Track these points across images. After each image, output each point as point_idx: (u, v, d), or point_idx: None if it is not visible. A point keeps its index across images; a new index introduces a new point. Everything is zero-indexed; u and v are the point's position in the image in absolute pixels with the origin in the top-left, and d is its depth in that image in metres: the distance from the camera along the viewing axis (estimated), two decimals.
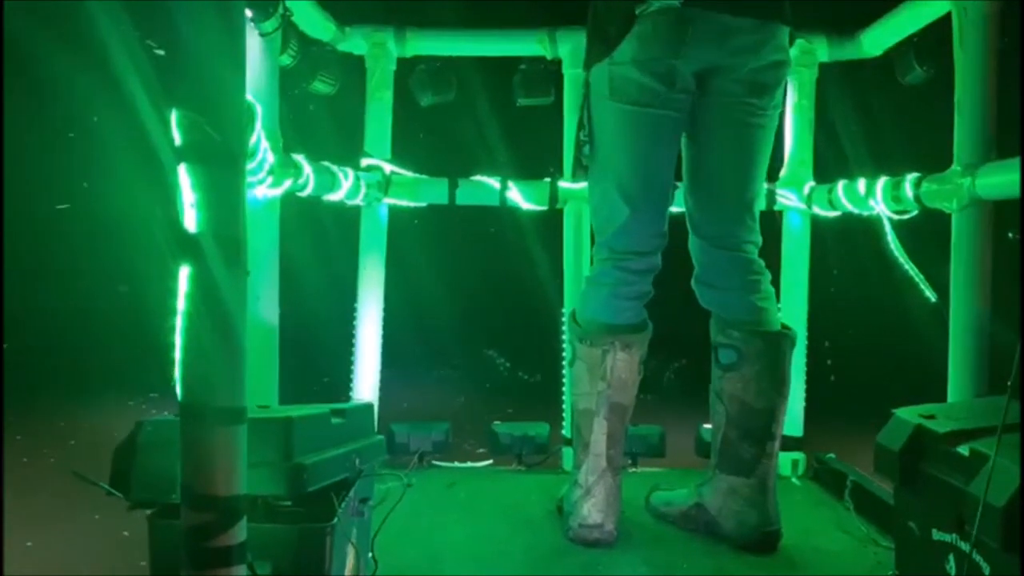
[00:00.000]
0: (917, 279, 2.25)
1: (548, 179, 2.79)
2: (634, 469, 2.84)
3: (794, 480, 2.80)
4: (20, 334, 4.25)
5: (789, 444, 2.83)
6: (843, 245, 2.82)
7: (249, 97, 1.49)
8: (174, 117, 1.14)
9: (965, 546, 1.65)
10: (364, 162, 2.81)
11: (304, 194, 2.24)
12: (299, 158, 2.18)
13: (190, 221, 1.13)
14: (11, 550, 2.34)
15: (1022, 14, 1.83)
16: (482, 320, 4.23)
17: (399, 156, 2.87)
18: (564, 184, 2.77)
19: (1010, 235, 1.85)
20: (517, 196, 2.80)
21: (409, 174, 2.85)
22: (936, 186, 2.08)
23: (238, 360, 1.15)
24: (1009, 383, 1.48)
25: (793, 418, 2.84)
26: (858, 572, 2.02)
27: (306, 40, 2.55)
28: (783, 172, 2.81)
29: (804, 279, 2.83)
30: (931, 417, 1.79)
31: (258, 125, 1.76)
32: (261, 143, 1.80)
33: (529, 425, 2.88)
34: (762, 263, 2.20)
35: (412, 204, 2.87)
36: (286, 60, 2.32)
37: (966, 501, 1.56)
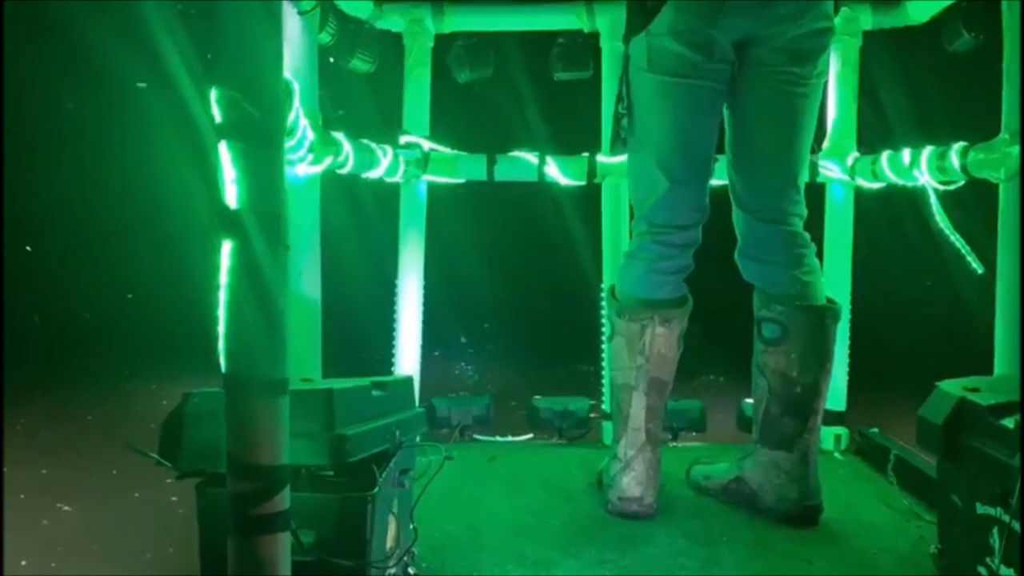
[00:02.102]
0: (963, 251, 2.20)
1: (586, 154, 2.78)
2: (675, 443, 2.84)
3: (837, 455, 2.77)
4: (70, 309, 4.38)
5: (832, 419, 2.81)
6: (888, 217, 2.76)
7: (287, 75, 1.51)
8: (213, 95, 1.16)
9: (1009, 519, 1.63)
10: (403, 139, 2.83)
11: (344, 171, 2.27)
12: (339, 136, 2.20)
13: (231, 197, 1.15)
14: (59, 520, 2.44)
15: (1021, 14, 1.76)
16: (522, 296, 4.24)
17: (437, 133, 2.88)
18: (602, 159, 2.75)
19: None
20: (555, 171, 2.79)
21: (448, 151, 2.86)
22: (983, 155, 2.03)
23: (280, 333, 1.17)
24: None
25: (836, 392, 2.81)
26: (901, 546, 2.01)
27: (344, 18, 2.56)
28: (826, 143, 2.76)
29: (848, 252, 2.78)
30: (975, 390, 1.76)
31: (296, 102, 1.78)
32: (300, 121, 1.83)
33: (569, 400, 2.89)
34: (807, 236, 2.17)
35: (451, 181, 2.89)
36: (325, 38, 2.34)
37: (1010, 474, 1.53)
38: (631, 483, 2.17)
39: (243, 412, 1.17)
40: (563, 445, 2.85)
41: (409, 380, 1.91)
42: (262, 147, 1.17)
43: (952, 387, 1.80)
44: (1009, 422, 1.62)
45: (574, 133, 2.97)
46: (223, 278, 1.16)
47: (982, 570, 1.73)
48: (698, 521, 2.16)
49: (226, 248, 1.15)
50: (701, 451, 2.68)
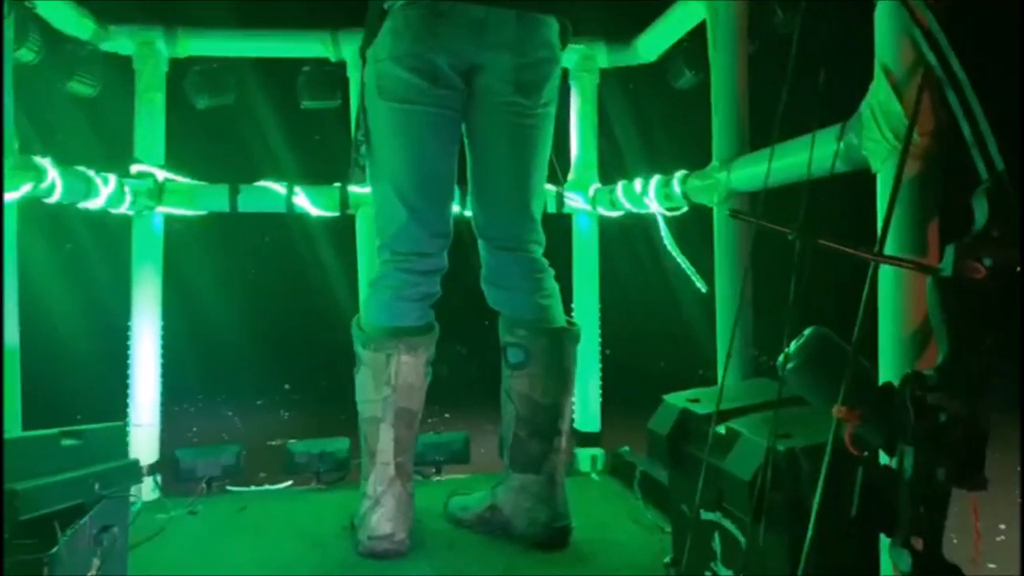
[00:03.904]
0: (689, 271, 2.34)
1: (338, 184, 2.71)
2: (439, 477, 2.79)
3: (593, 475, 2.84)
4: None
5: (587, 440, 2.89)
6: (629, 244, 2.91)
7: None
8: None
9: (727, 523, 1.72)
10: (134, 168, 2.61)
11: (51, 200, 2.04)
12: (43, 161, 1.98)
13: None
14: None
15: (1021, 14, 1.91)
16: (275, 334, 4.04)
17: (175, 162, 2.69)
18: (355, 189, 2.69)
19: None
20: (305, 202, 2.69)
21: (185, 180, 2.68)
22: (699, 181, 2.18)
23: None
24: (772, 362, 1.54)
25: (590, 414, 2.90)
26: (642, 559, 2.06)
27: (57, 36, 2.34)
28: (571, 175, 2.87)
29: (595, 279, 2.90)
30: (696, 401, 1.86)
31: None
32: None
33: (327, 441, 2.77)
34: (545, 262, 2.21)
35: (190, 213, 2.70)
36: (28, 55, 2.11)
37: (723, 479, 1.61)
38: (381, 520, 2.09)
39: None
40: (320, 490, 2.71)
41: (119, 428, 1.73)
42: None
43: (676, 399, 1.88)
44: (721, 428, 1.71)
45: (325, 162, 2.89)
46: None
47: (707, 574, 1.81)
48: (451, 554, 2.11)
49: None
50: (467, 483, 2.65)
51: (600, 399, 2.93)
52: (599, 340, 2.90)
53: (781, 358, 1.30)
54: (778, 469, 1.52)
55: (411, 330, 2.10)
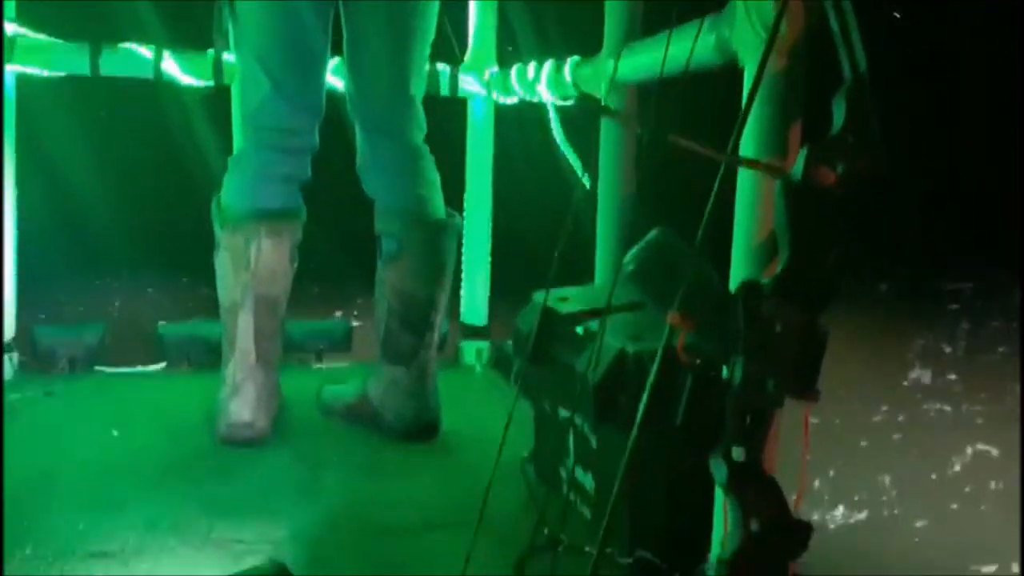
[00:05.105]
0: (575, 167, 2.26)
1: (212, 51, 2.49)
2: (319, 365, 2.73)
3: (478, 368, 2.82)
4: None
5: (474, 333, 2.86)
6: (526, 134, 2.80)
7: None
8: None
9: (580, 422, 1.70)
10: None
11: None
12: None
13: None
14: None
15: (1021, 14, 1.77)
16: (147, 211, 3.83)
17: (30, 16, 2.43)
18: (230, 57, 2.48)
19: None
20: (174, 68, 2.48)
21: (41, 36, 2.42)
22: (589, 69, 2.07)
23: None
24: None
25: (477, 307, 2.85)
26: (509, 457, 2.05)
27: None
28: (467, 57, 2.71)
29: (488, 168, 2.79)
30: (565, 300, 1.81)
31: None
32: None
33: (200, 324, 2.66)
34: (425, 148, 2.10)
35: (46, 73, 2.46)
36: None
37: (574, 379, 1.58)
38: (240, 407, 2.02)
39: None
40: (191, 374, 2.62)
41: None
42: None
43: (543, 297, 1.84)
44: (580, 329, 1.68)
45: (198, 26, 2.65)
46: None
47: (562, 472, 1.81)
48: (314, 443, 2.07)
49: None
50: (348, 372, 2.59)
51: (489, 292, 2.87)
52: (490, 231, 2.82)
53: (624, 260, 1.25)
54: (627, 372, 1.49)
55: (274, 213, 1.97)
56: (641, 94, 2.02)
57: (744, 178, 1.29)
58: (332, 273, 2.32)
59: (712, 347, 1.20)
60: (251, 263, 1.95)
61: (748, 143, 1.27)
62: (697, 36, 1.36)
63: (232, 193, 1.98)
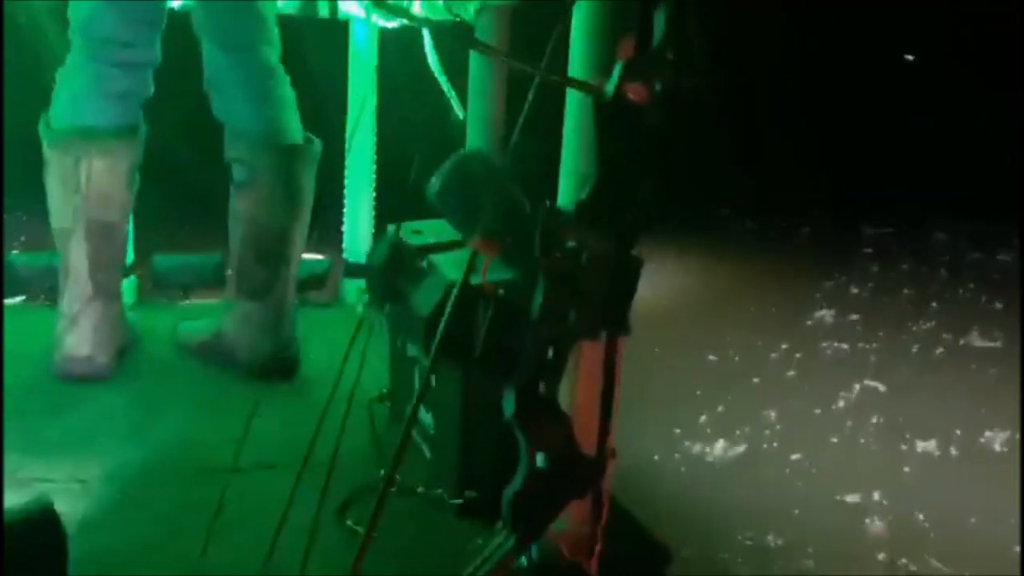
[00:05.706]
0: (448, 94, 2.14)
1: None
2: (188, 301, 2.59)
3: (359, 308, 2.70)
4: None
5: (357, 271, 2.73)
6: (410, 60, 2.65)
7: None
8: None
9: (421, 358, 1.63)
10: None
11: None
12: None
13: None
14: None
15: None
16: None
17: None
18: None
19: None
20: None
21: None
22: None
23: None
24: None
25: (361, 244, 2.73)
26: (361, 395, 1.97)
27: None
28: None
29: (372, 93, 2.64)
30: (419, 232, 1.72)
31: None
32: None
33: (55, 254, 2.47)
34: (279, 67, 1.95)
35: None
36: None
37: (412, 313, 1.50)
38: (78, 342, 1.89)
39: None
40: (49, 307, 2.45)
41: None
42: None
43: (396, 229, 1.74)
44: (425, 263, 1.59)
45: None
46: None
47: (408, 409, 1.73)
48: (159, 382, 1.96)
49: None
50: (211, 309, 2.45)
51: (373, 228, 2.75)
52: (374, 163, 2.69)
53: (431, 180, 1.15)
54: (459, 306, 1.41)
55: (107, 131, 1.82)
56: (514, 14, 1.92)
57: (572, 99, 1.20)
58: (211, 203, 2.16)
59: (516, 275, 1.12)
60: (81, 185, 1.80)
61: (578, 62, 1.18)
62: None
63: (61, 109, 1.81)
